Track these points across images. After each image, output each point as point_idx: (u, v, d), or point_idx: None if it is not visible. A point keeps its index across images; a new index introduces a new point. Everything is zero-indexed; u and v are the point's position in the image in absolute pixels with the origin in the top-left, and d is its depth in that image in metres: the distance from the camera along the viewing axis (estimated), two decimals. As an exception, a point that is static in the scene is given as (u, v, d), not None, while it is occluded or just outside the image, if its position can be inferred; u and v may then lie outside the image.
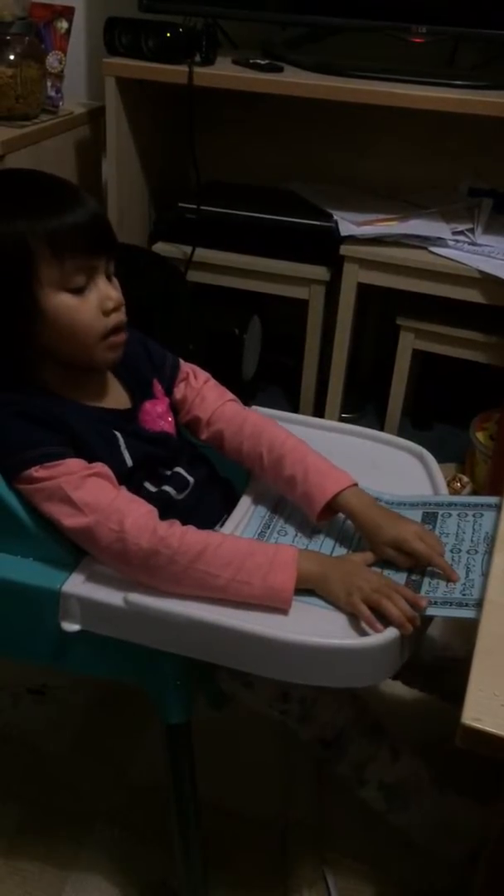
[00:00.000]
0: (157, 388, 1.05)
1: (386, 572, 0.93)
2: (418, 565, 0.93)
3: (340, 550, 0.98)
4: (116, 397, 1.01)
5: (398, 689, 1.25)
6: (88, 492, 0.89)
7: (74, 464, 0.90)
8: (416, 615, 0.86)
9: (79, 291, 0.91)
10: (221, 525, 1.02)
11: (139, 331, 1.04)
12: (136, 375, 1.03)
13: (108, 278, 0.95)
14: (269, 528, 1.01)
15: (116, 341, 0.95)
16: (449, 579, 0.91)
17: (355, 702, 1.02)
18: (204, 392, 1.08)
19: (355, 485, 0.98)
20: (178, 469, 1.02)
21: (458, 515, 1.01)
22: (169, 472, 1.01)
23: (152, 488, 0.99)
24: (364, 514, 0.96)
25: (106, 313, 0.93)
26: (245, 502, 1.04)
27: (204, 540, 0.89)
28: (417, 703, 1.31)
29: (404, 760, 1.04)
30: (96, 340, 0.93)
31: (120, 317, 0.95)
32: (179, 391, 1.08)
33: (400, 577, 0.92)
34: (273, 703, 1.00)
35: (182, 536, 0.88)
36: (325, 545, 0.99)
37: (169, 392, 1.07)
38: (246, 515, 1.02)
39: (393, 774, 1.03)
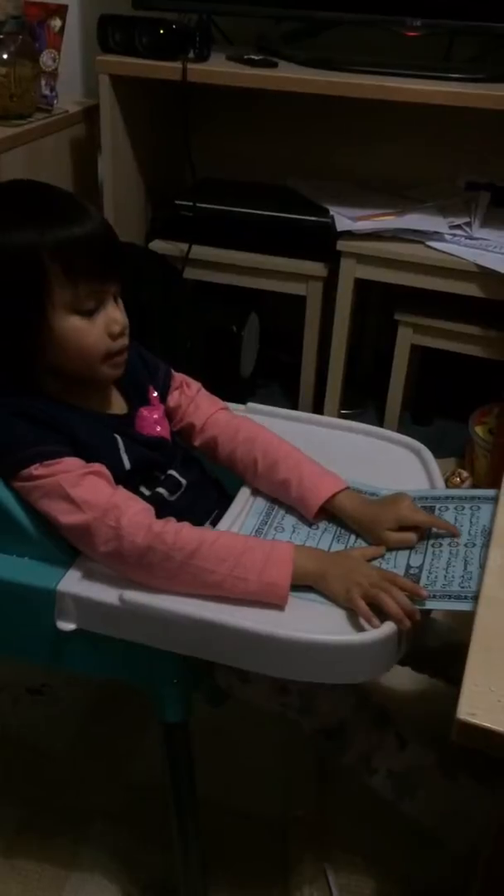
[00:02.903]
0: (153, 394, 1.06)
1: (384, 567, 0.93)
2: (423, 537, 0.97)
3: (338, 546, 0.98)
4: (115, 403, 1.03)
5: (405, 675, 1.24)
6: (86, 489, 0.89)
7: (72, 462, 0.91)
8: (415, 610, 0.86)
9: (88, 314, 0.93)
10: (211, 520, 1.02)
11: (135, 332, 1.04)
12: (132, 382, 1.04)
13: (115, 300, 0.96)
14: (266, 524, 1.01)
15: (119, 361, 0.97)
16: (452, 535, 0.96)
17: (357, 690, 1.02)
18: (198, 400, 1.10)
19: (348, 487, 1.01)
20: (172, 472, 1.03)
21: (455, 509, 1.01)
22: (163, 476, 1.02)
23: (146, 492, 0.99)
24: (359, 512, 0.99)
25: (112, 337, 0.94)
26: (242, 498, 1.04)
27: (199, 536, 0.89)
28: (426, 688, 1.31)
29: (411, 748, 1.03)
30: (99, 361, 0.95)
31: (124, 341, 0.96)
32: (173, 399, 1.09)
33: (399, 572, 0.92)
34: (272, 697, 0.99)
35: (177, 533, 0.88)
36: (322, 540, 0.99)
37: (163, 399, 1.08)
38: (243, 511, 1.02)
39: (400, 762, 1.02)
